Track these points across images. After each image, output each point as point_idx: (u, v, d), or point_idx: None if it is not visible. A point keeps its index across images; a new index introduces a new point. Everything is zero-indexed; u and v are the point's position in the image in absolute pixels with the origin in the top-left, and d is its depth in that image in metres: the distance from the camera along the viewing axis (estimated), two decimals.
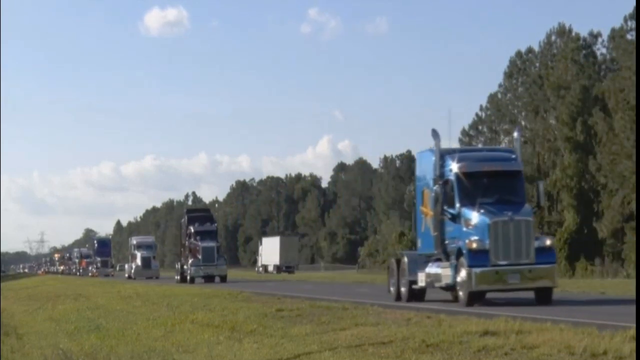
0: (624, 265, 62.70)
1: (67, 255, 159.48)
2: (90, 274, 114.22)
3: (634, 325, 15.06)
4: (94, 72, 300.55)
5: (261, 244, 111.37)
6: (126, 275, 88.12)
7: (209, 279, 61.86)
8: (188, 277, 61.61)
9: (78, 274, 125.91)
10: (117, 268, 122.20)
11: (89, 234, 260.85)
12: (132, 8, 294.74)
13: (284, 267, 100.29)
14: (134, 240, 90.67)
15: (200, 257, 61.98)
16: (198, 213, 70.91)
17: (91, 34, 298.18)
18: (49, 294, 51.01)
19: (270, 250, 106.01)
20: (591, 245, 67.73)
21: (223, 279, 62.03)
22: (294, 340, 18.26)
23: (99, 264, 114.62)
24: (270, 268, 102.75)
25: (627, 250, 63.34)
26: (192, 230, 63.78)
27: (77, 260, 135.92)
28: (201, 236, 63.19)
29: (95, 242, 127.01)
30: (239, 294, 35.79)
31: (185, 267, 63.25)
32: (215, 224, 67.22)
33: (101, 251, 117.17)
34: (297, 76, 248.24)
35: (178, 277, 64.22)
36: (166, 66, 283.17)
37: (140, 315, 28.58)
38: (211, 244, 62.96)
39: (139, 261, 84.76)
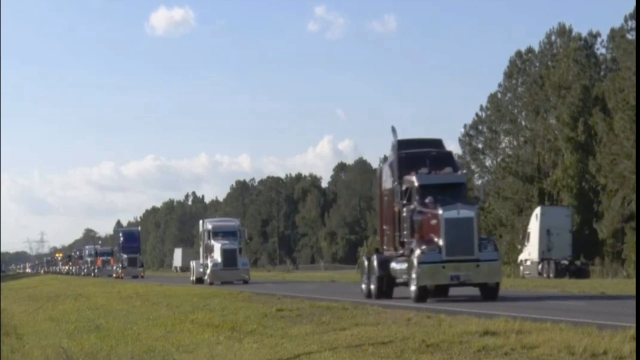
0: (624, 265, 62.70)
1: (77, 253, 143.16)
2: (114, 274, 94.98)
3: (634, 325, 15.06)
4: (95, 72, 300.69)
5: (174, 252, 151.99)
6: (192, 277, 60.54)
7: (441, 290, 29.60)
8: (414, 287, 28.09)
9: (93, 274, 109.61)
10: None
11: (89, 234, 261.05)
12: (138, 7, 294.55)
13: (185, 267, 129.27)
14: (208, 225, 59.21)
15: (441, 240, 27.91)
16: (423, 148, 31.76)
17: (94, 33, 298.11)
18: (49, 294, 51.02)
19: (177, 257, 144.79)
20: (591, 245, 67.73)
21: (491, 291, 28.37)
22: (294, 340, 18.26)
23: (125, 262, 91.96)
24: (178, 269, 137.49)
25: (627, 250, 63.35)
26: (416, 184, 29.40)
27: (89, 259, 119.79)
28: (436, 194, 29.03)
29: (120, 234, 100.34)
30: (239, 294, 35.82)
31: (394, 264, 29.90)
32: (463, 171, 34.97)
33: (128, 246, 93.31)
34: (301, 75, 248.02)
35: (371, 286, 31.13)
36: (168, 66, 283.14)
37: (140, 315, 28.59)
38: (467, 212, 28.18)
39: (218, 256, 55.79)
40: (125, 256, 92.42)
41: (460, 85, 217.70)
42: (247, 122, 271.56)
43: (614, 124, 64.29)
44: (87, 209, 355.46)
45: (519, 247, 68.82)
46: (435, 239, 28.16)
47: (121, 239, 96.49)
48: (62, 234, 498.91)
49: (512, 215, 78.41)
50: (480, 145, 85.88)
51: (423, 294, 27.97)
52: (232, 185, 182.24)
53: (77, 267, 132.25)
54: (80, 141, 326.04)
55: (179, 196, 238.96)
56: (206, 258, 57.46)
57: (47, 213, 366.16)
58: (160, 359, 17.81)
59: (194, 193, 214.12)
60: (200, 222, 61.87)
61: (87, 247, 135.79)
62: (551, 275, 58.80)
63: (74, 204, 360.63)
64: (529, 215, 66.56)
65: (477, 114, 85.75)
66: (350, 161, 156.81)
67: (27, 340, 24.28)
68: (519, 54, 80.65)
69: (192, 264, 62.73)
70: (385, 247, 32.22)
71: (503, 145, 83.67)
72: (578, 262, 60.75)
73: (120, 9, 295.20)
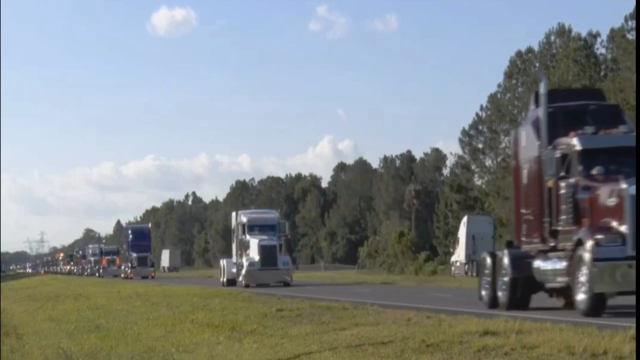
0: None
1: (80, 252, 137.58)
2: (122, 274, 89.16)
3: (634, 325, 15.06)
4: (95, 72, 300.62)
5: (162, 252, 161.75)
6: (223, 279, 52.00)
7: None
8: (583, 296, 19.82)
9: (98, 274, 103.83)
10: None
11: (89, 234, 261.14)
12: (139, 7, 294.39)
13: (172, 268, 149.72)
14: (243, 217, 50.81)
15: (626, 226, 19.27)
16: (579, 100, 23.43)
17: (95, 33, 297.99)
18: (49, 294, 51.01)
19: (165, 257, 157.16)
20: None
21: None
22: (294, 340, 18.27)
23: (134, 262, 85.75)
24: (165, 269, 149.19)
25: None
26: (578, 148, 21.03)
27: (92, 259, 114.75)
28: (607, 163, 20.91)
29: (129, 232, 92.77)
30: (239, 294, 35.83)
31: (540, 262, 21.85)
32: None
33: (138, 245, 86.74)
34: (302, 75, 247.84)
35: (498, 293, 22.93)
36: (169, 66, 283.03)
37: (140, 315, 28.60)
38: None
39: (254, 254, 47.70)
40: (134, 255, 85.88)
41: (460, 85, 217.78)
42: (247, 122, 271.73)
43: None
44: (87, 209, 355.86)
45: (451, 250, 76.96)
46: (615, 225, 19.54)
47: (130, 236, 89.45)
48: (62, 234, 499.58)
49: (513, 215, 78.31)
50: (480, 145, 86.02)
51: (599, 305, 19.64)
52: (232, 185, 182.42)
53: (80, 267, 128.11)
54: (80, 141, 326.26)
55: (179, 196, 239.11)
56: (240, 256, 48.99)
57: (47, 213, 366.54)
58: (160, 359, 17.81)
59: (194, 193, 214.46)
60: (234, 214, 52.83)
61: (90, 246, 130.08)
62: (474, 274, 63.60)
63: (74, 204, 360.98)
64: None
65: (477, 114, 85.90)
66: (350, 161, 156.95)
67: (27, 340, 24.27)
68: (519, 54, 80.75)
69: (222, 263, 53.31)
70: (524, 238, 23.15)
71: (503, 145, 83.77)
72: None
73: (121, 8, 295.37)
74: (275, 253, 47.95)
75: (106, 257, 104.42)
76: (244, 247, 49.04)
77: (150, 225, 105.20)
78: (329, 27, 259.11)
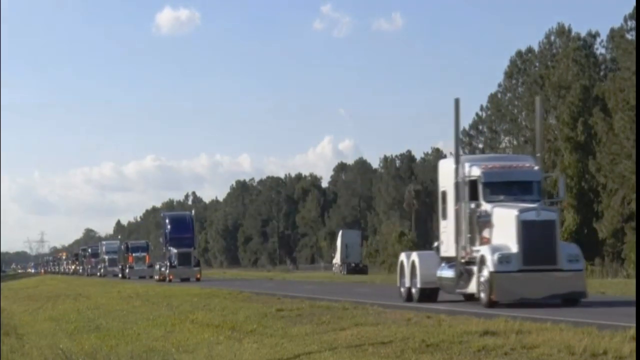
0: (624, 265, 62.72)
1: (88, 250, 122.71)
2: (156, 276, 68.28)
3: (634, 325, 15.06)
4: (96, 71, 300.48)
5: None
6: (412, 287, 27.03)
7: None
8: None
9: (120, 275, 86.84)
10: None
11: (89, 234, 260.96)
12: (143, 7, 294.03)
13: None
14: (473, 168, 25.84)
15: None
16: None
17: (96, 33, 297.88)
18: (49, 293, 50.99)
19: None
20: (591, 245, 67.72)
21: None
22: (294, 340, 18.27)
23: (174, 260, 65.61)
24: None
25: (627, 250, 63.36)
26: None
27: (107, 257, 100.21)
28: None
29: (167, 221, 70.63)
30: (239, 294, 35.83)
31: None
32: None
33: (178, 238, 67.07)
34: (304, 75, 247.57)
35: None
36: (171, 65, 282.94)
37: (140, 315, 28.60)
38: None
39: (508, 239, 24.09)
40: (174, 251, 66.02)
41: (460, 85, 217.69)
42: (248, 122, 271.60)
43: (614, 124, 64.28)
44: (87, 209, 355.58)
45: (332, 255, 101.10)
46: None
47: (168, 227, 68.95)
48: (62, 234, 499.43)
49: None
50: (480, 145, 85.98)
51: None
52: (232, 185, 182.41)
53: (89, 266, 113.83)
54: (80, 141, 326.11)
55: (179, 196, 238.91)
56: (471, 243, 25.29)
57: (47, 213, 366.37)
58: (160, 359, 17.81)
59: (194, 193, 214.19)
60: (443, 163, 28.90)
61: (105, 242, 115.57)
62: (344, 272, 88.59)
63: (74, 203, 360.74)
64: None
65: (477, 114, 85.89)
66: (350, 161, 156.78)
67: (27, 340, 24.28)
68: (519, 54, 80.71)
69: (411, 258, 27.83)
70: None
71: (503, 145, 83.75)
72: (361, 265, 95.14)
73: (125, 8, 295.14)
74: (553, 238, 24.55)
75: (133, 255, 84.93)
76: (478, 225, 25.51)
77: (193, 212, 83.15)
78: (334, 26, 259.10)
